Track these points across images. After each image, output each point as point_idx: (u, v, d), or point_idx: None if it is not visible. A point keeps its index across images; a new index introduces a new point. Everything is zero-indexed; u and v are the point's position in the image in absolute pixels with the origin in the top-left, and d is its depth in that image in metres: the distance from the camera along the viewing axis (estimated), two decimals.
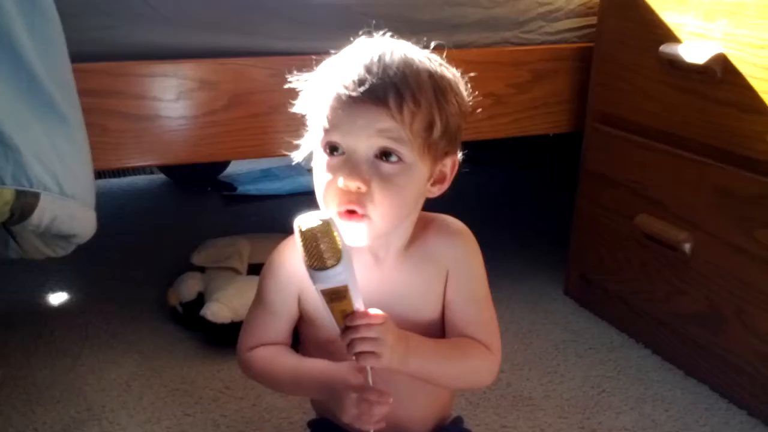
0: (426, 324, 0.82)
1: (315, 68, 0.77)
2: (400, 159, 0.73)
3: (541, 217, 1.98)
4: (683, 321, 1.25)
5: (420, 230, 0.83)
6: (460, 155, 0.81)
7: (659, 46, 1.21)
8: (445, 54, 0.79)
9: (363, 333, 0.71)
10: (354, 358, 0.72)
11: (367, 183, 0.72)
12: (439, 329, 0.83)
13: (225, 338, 1.26)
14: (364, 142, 0.72)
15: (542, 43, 1.40)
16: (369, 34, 0.78)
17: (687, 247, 1.20)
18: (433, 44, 0.80)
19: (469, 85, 0.79)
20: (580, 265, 1.49)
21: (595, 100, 1.40)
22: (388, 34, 0.78)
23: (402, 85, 0.71)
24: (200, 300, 1.35)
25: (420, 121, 0.72)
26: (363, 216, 0.72)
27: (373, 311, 0.72)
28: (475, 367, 0.82)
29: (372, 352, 0.72)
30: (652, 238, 1.26)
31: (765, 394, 1.12)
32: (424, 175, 0.76)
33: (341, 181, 0.72)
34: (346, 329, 0.72)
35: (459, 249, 0.82)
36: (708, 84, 1.14)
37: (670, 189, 1.24)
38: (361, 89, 0.70)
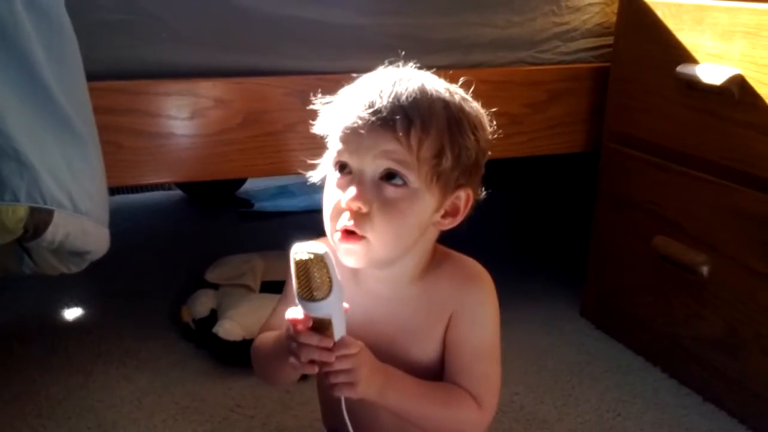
0: (425, 363, 0.81)
1: (336, 91, 0.78)
2: (404, 183, 0.73)
3: (558, 237, 1.97)
4: (701, 345, 1.23)
5: (435, 267, 0.82)
6: (482, 193, 0.80)
7: (676, 66, 1.20)
8: (460, 82, 0.79)
9: (336, 366, 0.71)
10: (331, 388, 0.73)
11: (369, 204, 0.72)
12: (438, 371, 0.82)
13: (237, 356, 1.26)
14: (369, 163, 0.73)
15: (558, 63, 1.40)
16: (394, 63, 0.79)
17: (705, 269, 1.18)
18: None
19: (493, 122, 0.79)
20: (597, 286, 1.47)
21: (611, 120, 1.39)
22: (414, 65, 0.79)
23: (411, 111, 0.71)
24: (213, 317, 1.35)
25: (428, 149, 0.72)
26: (361, 237, 0.73)
27: (349, 340, 0.72)
28: (457, 417, 0.80)
29: (346, 383, 0.72)
30: (670, 260, 1.25)
31: None
32: (430, 204, 0.75)
33: (344, 200, 0.73)
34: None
35: (469, 295, 0.80)
36: (725, 105, 1.13)
37: (687, 211, 1.23)
38: (371, 111, 0.71)
